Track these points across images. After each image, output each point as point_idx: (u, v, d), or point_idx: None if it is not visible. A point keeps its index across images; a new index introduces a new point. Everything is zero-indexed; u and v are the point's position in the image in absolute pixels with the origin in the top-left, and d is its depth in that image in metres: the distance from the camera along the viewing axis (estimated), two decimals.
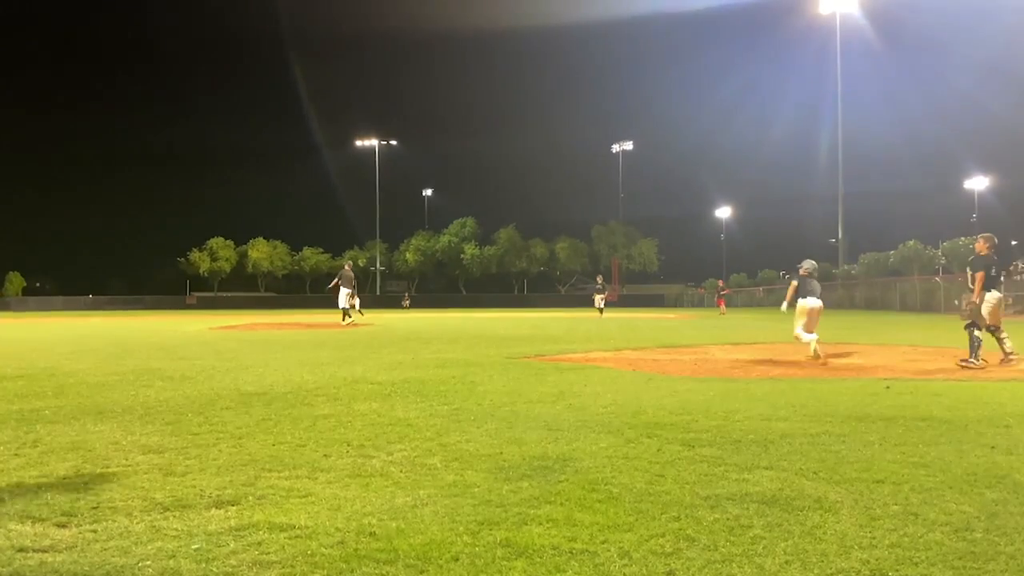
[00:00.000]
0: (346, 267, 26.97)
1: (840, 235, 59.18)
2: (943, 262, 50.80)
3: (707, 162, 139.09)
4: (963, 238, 49.17)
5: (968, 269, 10.84)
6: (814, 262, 12.46)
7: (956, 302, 11.21)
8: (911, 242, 52.42)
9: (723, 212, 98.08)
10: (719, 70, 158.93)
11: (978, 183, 70.31)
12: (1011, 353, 10.35)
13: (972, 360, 10.10)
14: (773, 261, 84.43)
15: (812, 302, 11.82)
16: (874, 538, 3.18)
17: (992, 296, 10.45)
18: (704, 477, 4.19)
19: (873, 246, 58.33)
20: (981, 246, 10.79)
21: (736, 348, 14.23)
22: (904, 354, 12.38)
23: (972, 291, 10.52)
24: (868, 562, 2.92)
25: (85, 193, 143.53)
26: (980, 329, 10.31)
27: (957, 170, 74.39)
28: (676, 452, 4.82)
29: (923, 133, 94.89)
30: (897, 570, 2.84)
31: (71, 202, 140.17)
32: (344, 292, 25.44)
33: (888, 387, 7.97)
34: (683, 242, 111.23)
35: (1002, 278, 10.81)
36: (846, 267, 57.15)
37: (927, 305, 39.75)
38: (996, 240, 10.80)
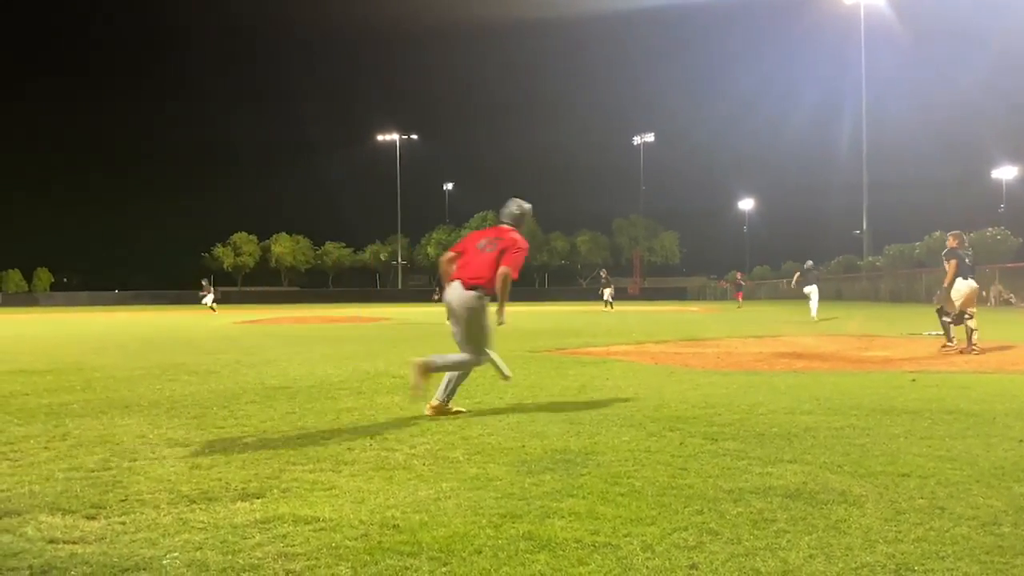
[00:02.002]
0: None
1: (864, 226, 58.60)
2: (970, 253, 50.13)
3: (729, 153, 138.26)
4: (990, 229, 48.48)
5: (944, 259, 11.61)
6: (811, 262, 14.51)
7: (938, 292, 11.97)
8: (937, 233, 51.70)
9: (746, 204, 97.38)
10: (741, 60, 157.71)
11: (1006, 173, 69.14)
12: (974, 345, 10.84)
13: (949, 344, 11.14)
14: (796, 253, 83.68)
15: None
16: (899, 532, 3.15)
17: (965, 285, 11.13)
18: (727, 471, 4.17)
19: (898, 237, 57.67)
20: (952, 242, 11.61)
21: (759, 341, 14.14)
22: (930, 346, 12.24)
23: (946, 281, 11.27)
24: (893, 556, 2.89)
25: (111, 189, 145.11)
26: (949, 315, 11.25)
27: (984, 160, 73.21)
28: (699, 446, 4.80)
29: (949, 122, 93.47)
30: (923, 564, 2.82)
31: (97, 199, 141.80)
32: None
33: (914, 380, 7.88)
34: (705, 234, 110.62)
35: (975, 269, 11.55)
36: (871, 259, 56.54)
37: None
38: (965, 237, 11.70)
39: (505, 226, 6.34)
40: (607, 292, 37.11)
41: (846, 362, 10.07)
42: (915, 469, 4.15)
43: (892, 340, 13.82)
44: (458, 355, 6.14)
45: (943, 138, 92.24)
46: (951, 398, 6.64)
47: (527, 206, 6.51)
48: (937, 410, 6.02)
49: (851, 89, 64.36)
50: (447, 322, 6.32)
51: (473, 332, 6.05)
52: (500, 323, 6.09)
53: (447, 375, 6.12)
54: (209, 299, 37.15)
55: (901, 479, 3.96)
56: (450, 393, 6.10)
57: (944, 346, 11.34)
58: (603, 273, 39.92)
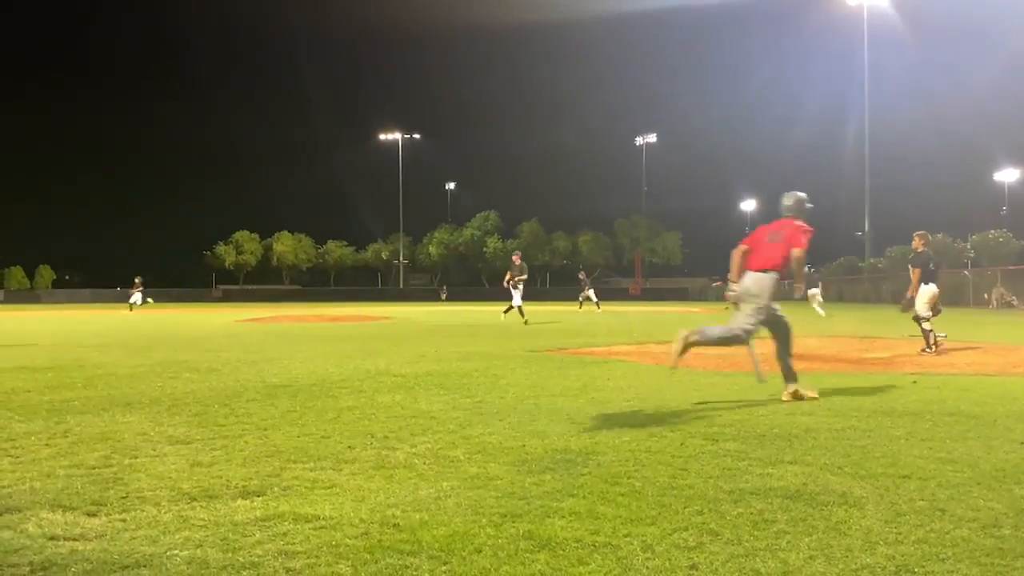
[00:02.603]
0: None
1: (867, 228, 58.57)
2: (972, 255, 50.09)
3: (732, 154, 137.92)
4: (992, 231, 48.48)
5: (909, 266, 11.96)
6: None
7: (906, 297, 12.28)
8: (939, 235, 51.77)
9: (748, 205, 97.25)
10: (744, 61, 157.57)
11: (1008, 175, 69.05)
12: (931, 348, 11.19)
13: (928, 348, 11.17)
14: None
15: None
16: (900, 534, 3.15)
17: (929, 289, 11.48)
18: (728, 471, 4.17)
19: (900, 239, 57.60)
20: (918, 243, 11.88)
21: (761, 343, 14.12)
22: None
23: (912, 287, 11.61)
24: (894, 558, 2.89)
25: (112, 187, 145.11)
26: (927, 319, 11.37)
27: (987, 162, 72.93)
28: (699, 446, 4.80)
29: (952, 124, 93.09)
30: (923, 566, 2.82)
31: (99, 197, 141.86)
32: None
33: (915, 382, 7.88)
34: (707, 235, 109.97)
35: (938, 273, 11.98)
36: (872, 260, 56.53)
37: (955, 299, 39.25)
38: (930, 237, 11.88)
39: (787, 218, 6.98)
40: (591, 293, 35.66)
41: (847, 363, 10.06)
42: (916, 471, 4.15)
43: (893, 342, 13.81)
44: (724, 328, 6.87)
45: (946, 140, 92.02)
46: (952, 400, 6.64)
47: (800, 195, 7.11)
48: (938, 412, 6.01)
49: (855, 91, 64.22)
50: (731, 308, 7.16)
51: (768, 314, 6.85)
52: (797, 296, 7.09)
53: (781, 362, 7.05)
54: (136, 298, 37.49)
55: (902, 481, 3.96)
56: (792, 377, 6.90)
57: (925, 350, 11.29)
58: (581, 275, 38.90)
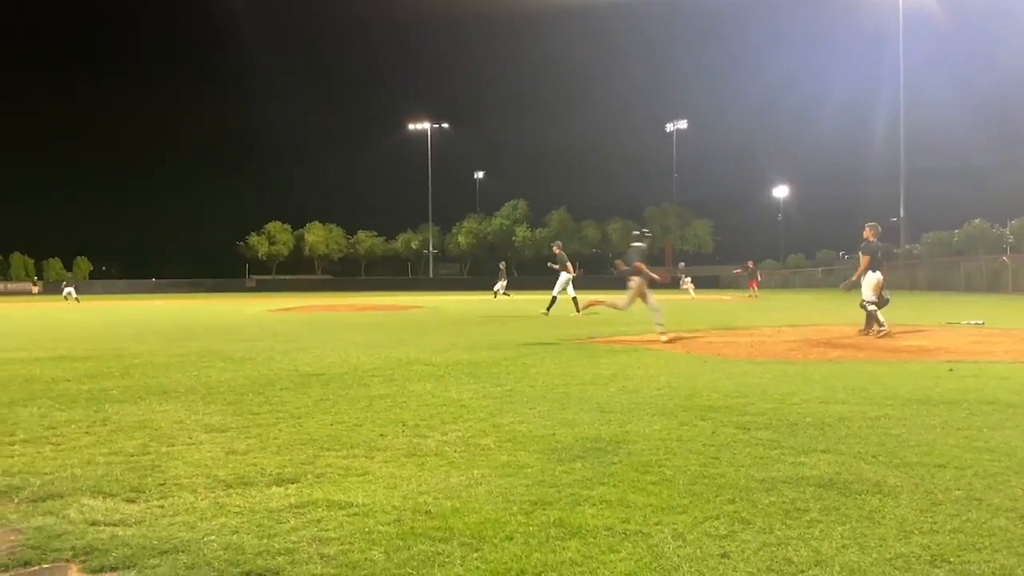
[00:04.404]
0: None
1: (902, 213, 57.54)
2: (1011, 241, 49.05)
3: (763, 140, 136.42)
4: None
5: (860, 253, 12.57)
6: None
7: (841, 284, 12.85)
8: (976, 221, 50.77)
9: (780, 191, 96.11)
10: (775, 45, 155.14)
11: None
12: (868, 330, 12.12)
13: (881, 328, 11.83)
14: (832, 241, 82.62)
15: None
16: (935, 523, 3.12)
17: (873, 276, 12.19)
18: (759, 460, 4.15)
19: (936, 225, 56.65)
20: (869, 233, 12.42)
21: (794, 330, 13.99)
22: (969, 335, 12.03)
23: (859, 271, 12.33)
24: (929, 547, 2.86)
25: (148, 180, 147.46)
26: (875, 304, 12.07)
27: None
28: (731, 435, 4.78)
29: (989, 107, 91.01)
30: (959, 556, 2.79)
31: (135, 189, 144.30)
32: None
33: (951, 370, 7.76)
34: (738, 223, 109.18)
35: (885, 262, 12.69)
36: (908, 247, 55.63)
37: (993, 285, 38.53)
38: (880, 229, 12.52)
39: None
40: (499, 285, 35.16)
41: (882, 351, 9.93)
42: (952, 460, 4.10)
43: (929, 329, 13.60)
44: (621, 300, 9.62)
45: (983, 123, 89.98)
46: (989, 388, 6.53)
47: (633, 236, 8.64)
48: (975, 400, 5.92)
49: (887, 73, 63.16)
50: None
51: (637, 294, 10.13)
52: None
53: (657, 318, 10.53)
54: (68, 291, 41.17)
55: (937, 470, 3.91)
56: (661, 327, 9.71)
57: (877, 332, 11.85)
58: (501, 266, 37.66)
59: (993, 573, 2.66)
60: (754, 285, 40.32)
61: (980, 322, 12.79)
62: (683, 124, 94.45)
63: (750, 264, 42.62)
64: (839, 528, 3.07)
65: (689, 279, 40.48)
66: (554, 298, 20.65)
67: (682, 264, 46.83)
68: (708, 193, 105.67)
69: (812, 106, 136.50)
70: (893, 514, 3.24)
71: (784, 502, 3.40)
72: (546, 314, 19.73)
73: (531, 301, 32.58)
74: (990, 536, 2.97)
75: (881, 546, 2.88)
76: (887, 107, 63.48)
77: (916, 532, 3.02)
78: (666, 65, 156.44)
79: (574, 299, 20.07)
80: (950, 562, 2.74)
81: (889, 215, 58.90)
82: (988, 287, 38.70)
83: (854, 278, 12.66)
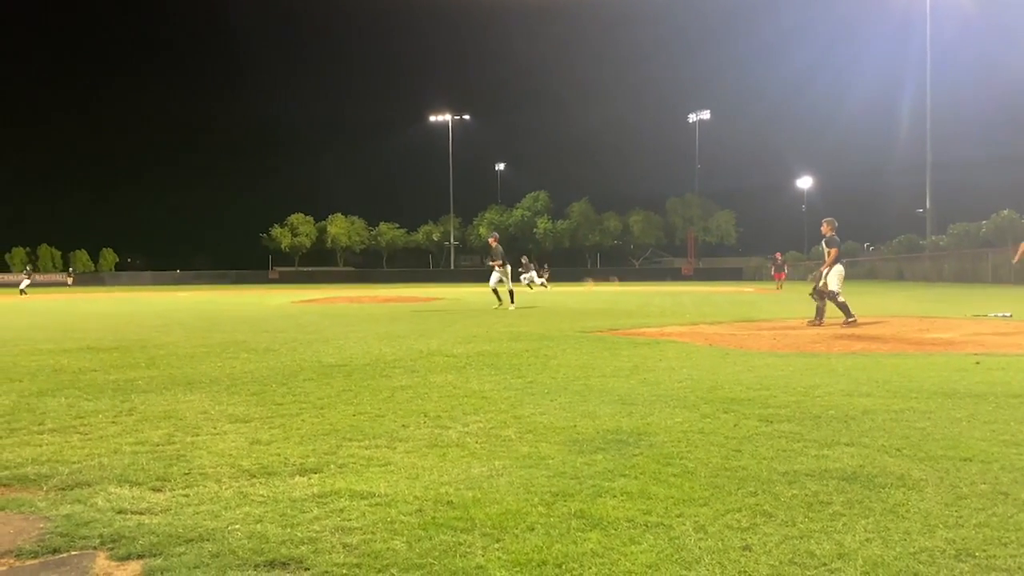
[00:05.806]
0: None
1: (928, 205, 56.80)
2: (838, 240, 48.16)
3: (787, 131, 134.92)
4: None
5: (824, 246, 13.15)
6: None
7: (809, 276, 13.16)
8: (1005, 211, 49.96)
9: (804, 182, 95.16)
10: (798, 34, 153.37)
11: None
12: (821, 321, 12.53)
13: (850, 320, 12.18)
14: (856, 233, 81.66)
15: None
16: (960, 517, 3.09)
17: (839, 268, 12.81)
18: (782, 453, 4.12)
19: (963, 216, 55.81)
20: (827, 229, 13.04)
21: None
22: (996, 328, 11.87)
23: (826, 264, 12.85)
24: (954, 542, 2.84)
25: (172, 173, 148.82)
26: (839, 295, 12.45)
27: None
28: (753, 427, 4.76)
29: (1018, 96, 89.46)
30: (984, 550, 2.76)
31: (160, 182, 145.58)
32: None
33: (978, 363, 7.66)
34: (762, 214, 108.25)
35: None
36: (934, 238, 54.92)
37: (1022, 277, 37.92)
38: (836, 223, 13.08)
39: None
40: (524, 277, 32.97)
41: (907, 344, 9.83)
42: (978, 453, 4.05)
43: (956, 321, 13.43)
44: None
45: (1010, 113, 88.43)
46: (1017, 382, 6.44)
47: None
48: (1002, 394, 5.85)
49: (912, 63, 62.20)
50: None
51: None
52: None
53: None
54: (24, 284, 42.87)
55: (963, 463, 3.87)
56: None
57: (844, 323, 12.20)
58: (524, 259, 36.85)
59: (1020, 568, 2.63)
60: (781, 277, 40.05)
61: (1008, 314, 12.60)
62: (706, 115, 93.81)
63: (778, 256, 42.26)
64: (862, 521, 3.05)
65: (534, 271, 33.48)
66: (510, 291, 20.24)
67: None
68: (731, 184, 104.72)
69: (836, 96, 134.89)
70: (917, 508, 3.21)
71: (807, 495, 3.38)
72: (502, 307, 19.60)
73: (560, 293, 32.56)
74: (1017, 531, 2.94)
75: (905, 540, 2.86)
76: (913, 96, 62.59)
77: (941, 526, 2.99)
78: (689, 55, 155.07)
79: (495, 291, 20.81)
80: (975, 557, 2.71)
81: (915, 206, 58.21)
82: (1017, 279, 38.07)
83: (822, 269, 12.98)
